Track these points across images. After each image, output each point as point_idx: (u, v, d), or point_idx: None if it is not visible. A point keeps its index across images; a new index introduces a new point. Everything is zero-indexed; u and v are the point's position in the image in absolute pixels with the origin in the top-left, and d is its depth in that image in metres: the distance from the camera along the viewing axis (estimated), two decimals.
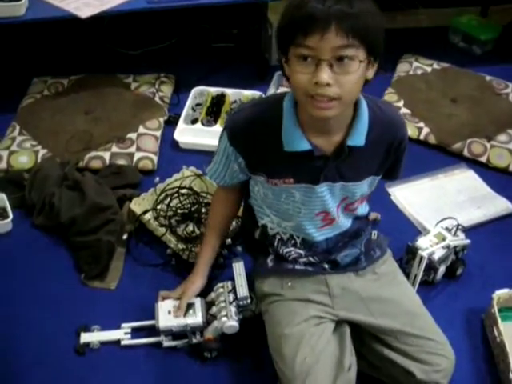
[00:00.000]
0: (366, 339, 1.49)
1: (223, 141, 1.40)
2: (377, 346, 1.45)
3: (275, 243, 1.52)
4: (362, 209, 1.52)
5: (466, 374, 1.60)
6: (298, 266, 1.51)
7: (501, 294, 1.69)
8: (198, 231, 1.88)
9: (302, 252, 1.51)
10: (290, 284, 1.50)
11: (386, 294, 1.50)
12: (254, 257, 1.62)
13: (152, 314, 1.58)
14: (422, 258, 1.70)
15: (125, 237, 1.89)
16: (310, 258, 1.51)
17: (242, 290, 1.57)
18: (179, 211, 1.96)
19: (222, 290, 1.61)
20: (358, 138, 1.30)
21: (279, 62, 1.24)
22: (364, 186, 1.42)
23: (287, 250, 1.51)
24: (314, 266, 1.51)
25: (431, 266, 1.74)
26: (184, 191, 2.02)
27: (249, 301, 1.57)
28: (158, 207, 1.96)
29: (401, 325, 1.42)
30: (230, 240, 1.83)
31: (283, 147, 1.31)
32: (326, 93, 1.14)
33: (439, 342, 1.42)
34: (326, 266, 1.51)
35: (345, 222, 1.49)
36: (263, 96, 2.47)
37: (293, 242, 1.50)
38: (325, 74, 1.12)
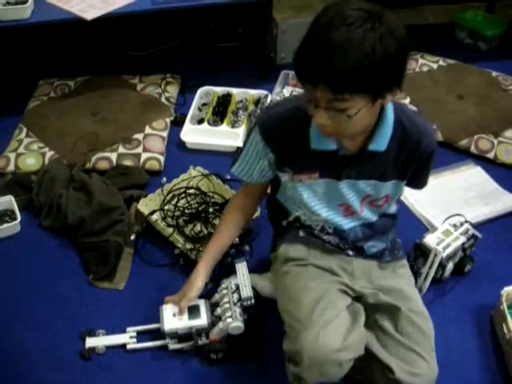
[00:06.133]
0: None
1: (254, 136, 1.41)
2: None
3: (310, 231, 1.53)
4: (389, 208, 1.53)
5: (474, 371, 1.60)
6: (327, 243, 1.53)
7: (510, 290, 1.68)
8: (205, 231, 1.88)
9: (334, 239, 1.53)
10: (316, 255, 1.51)
11: (398, 287, 1.49)
12: (281, 229, 1.60)
13: (159, 316, 1.59)
14: (436, 253, 1.70)
15: (132, 237, 1.90)
16: (340, 245, 1.53)
17: (246, 291, 1.57)
18: (186, 211, 1.96)
19: (225, 291, 1.61)
20: (380, 143, 1.32)
21: None
22: (388, 187, 1.43)
23: (321, 235, 1.53)
24: (342, 251, 1.53)
25: (439, 263, 1.74)
26: (191, 191, 2.03)
27: (253, 301, 1.57)
28: (166, 207, 1.96)
29: (401, 305, 1.41)
30: (237, 239, 1.82)
31: (310, 144, 1.34)
32: (326, 130, 1.20)
33: (428, 340, 1.39)
34: (351, 252, 1.52)
35: (370, 216, 1.50)
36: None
37: (325, 231, 1.52)
38: (320, 118, 1.18)
